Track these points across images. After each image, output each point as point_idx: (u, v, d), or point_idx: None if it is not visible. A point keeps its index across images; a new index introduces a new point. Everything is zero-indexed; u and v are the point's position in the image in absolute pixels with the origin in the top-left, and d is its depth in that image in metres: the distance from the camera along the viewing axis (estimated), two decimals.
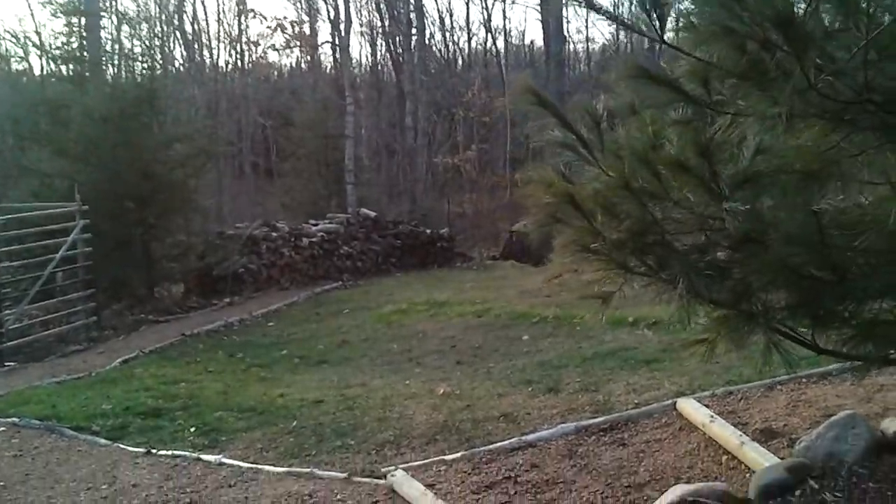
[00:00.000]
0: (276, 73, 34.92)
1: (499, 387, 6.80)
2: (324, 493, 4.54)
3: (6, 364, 10.05)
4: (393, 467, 4.76)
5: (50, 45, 25.61)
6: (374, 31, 32.23)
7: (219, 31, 32.76)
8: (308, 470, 4.97)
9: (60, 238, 11.77)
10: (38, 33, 26.05)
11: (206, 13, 52.57)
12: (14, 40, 26.06)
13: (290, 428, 6.08)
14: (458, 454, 4.91)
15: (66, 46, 24.77)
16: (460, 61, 35.13)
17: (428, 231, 19.18)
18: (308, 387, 7.62)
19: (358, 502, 4.39)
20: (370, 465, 5.05)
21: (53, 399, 7.47)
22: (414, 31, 29.00)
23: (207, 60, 32.18)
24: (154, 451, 5.64)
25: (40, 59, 26.82)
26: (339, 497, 4.47)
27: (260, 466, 5.14)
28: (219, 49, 33.00)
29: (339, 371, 8.45)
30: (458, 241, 20.19)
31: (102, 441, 6.04)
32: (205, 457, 5.41)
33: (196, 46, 31.65)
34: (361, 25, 31.64)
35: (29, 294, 11.18)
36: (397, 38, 30.09)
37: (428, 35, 31.23)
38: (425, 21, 30.21)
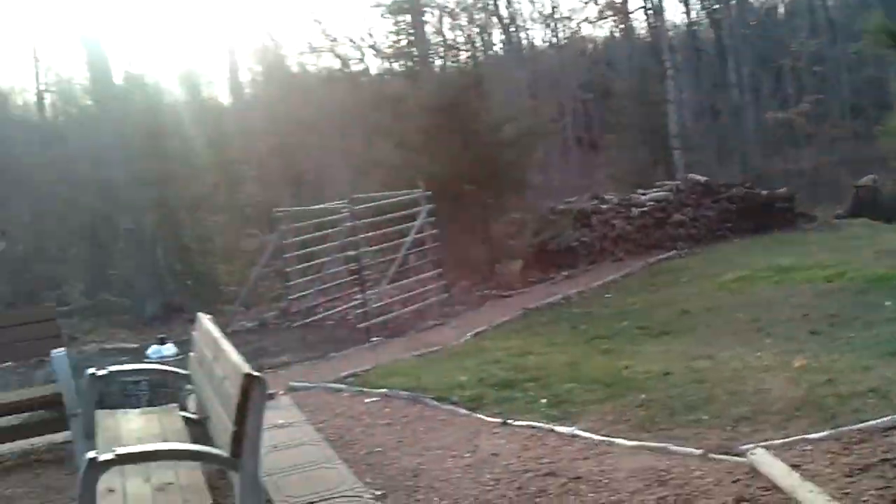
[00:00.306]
0: (591, 45, 34.83)
1: (863, 359, 6.23)
2: (680, 470, 4.45)
3: (372, 339, 11.07)
4: (752, 445, 4.56)
5: (382, 44, 27.67)
6: None
7: (532, 11, 33.31)
8: (662, 445, 4.90)
9: (409, 223, 12.77)
10: (371, 35, 28.19)
11: None
12: (352, 44, 28.52)
13: (638, 401, 6.04)
14: (824, 433, 4.58)
15: (396, 44, 26.69)
16: (781, 9, 32.76)
17: (763, 192, 18.12)
18: (652, 358, 7.52)
19: (717, 480, 4.25)
20: (726, 442, 4.86)
21: (417, 371, 8.02)
22: None
23: (524, 41, 32.97)
24: (510, 421, 5.85)
25: (375, 58, 29.03)
26: (696, 474, 4.36)
27: (612, 439, 5.15)
28: (534, 28, 33.58)
29: (683, 342, 8.25)
30: (797, 201, 18.85)
31: (462, 411, 6.34)
32: (558, 428, 5.52)
33: (513, 29, 32.54)
34: None
35: (387, 275, 12.31)
36: None
37: None
38: None
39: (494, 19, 32.05)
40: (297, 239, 13.16)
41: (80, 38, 19.64)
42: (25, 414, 6.08)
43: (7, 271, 17.92)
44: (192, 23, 36.36)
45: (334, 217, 13.49)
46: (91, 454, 3.22)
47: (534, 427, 5.65)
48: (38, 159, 22.45)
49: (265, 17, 42.88)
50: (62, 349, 5.64)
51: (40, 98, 26.76)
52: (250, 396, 3.30)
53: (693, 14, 32.26)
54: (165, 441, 4.26)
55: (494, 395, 6.77)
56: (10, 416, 6.15)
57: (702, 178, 18.25)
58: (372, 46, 28.25)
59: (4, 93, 27.76)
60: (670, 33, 28.82)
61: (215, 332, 4.45)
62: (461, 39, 30.83)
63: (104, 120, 18.20)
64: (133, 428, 4.56)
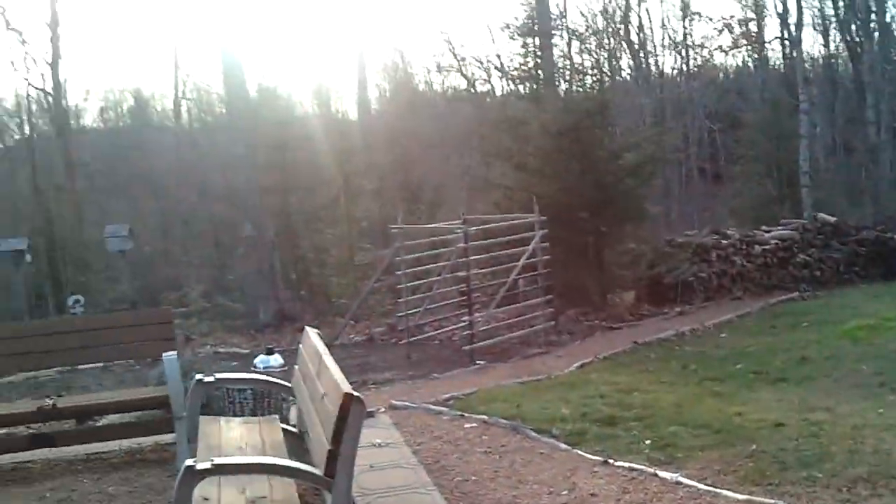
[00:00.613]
0: (721, 74, 34.01)
1: None
2: None
3: (476, 363, 11.02)
4: None
5: (508, 66, 27.77)
6: (827, 21, 29.96)
7: (663, 38, 32.80)
8: (771, 501, 4.66)
9: (521, 247, 12.68)
10: (498, 56, 28.37)
11: (650, 21, 52.66)
12: (478, 65, 28.77)
13: (748, 451, 5.76)
14: None
15: (522, 67, 26.73)
16: None
17: None
18: (766, 406, 7.19)
19: None
20: None
21: (518, 399, 7.88)
22: (873, 16, 26.37)
23: (653, 68, 32.49)
24: (611, 460, 5.68)
25: (501, 80, 29.16)
26: None
27: (718, 490, 4.92)
28: (664, 55, 33.05)
29: (800, 391, 7.85)
30: None
31: (562, 446, 6.17)
32: (661, 473, 5.30)
33: (642, 55, 32.11)
34: (813, 17, 29.68)
35: (496, 298, 12.26)
36: (853, 26, 27.62)
37: (889, 18, 28.15)
38: (886, 3, 27.26)
39: (624, 44, 31.76)
40: (409, 256, 13.26)
41: (218, 51, 20.47)
42: (136, 413, 6.31)
43: (133, 271, 18.78)
44: (326, 39, 37.53)
45: (448, 237, 13.56)
46: (189, 462, 3.29)
47: (635, 469, 5.46)
48: (171, 163, 23.57)
49: (396, 35, 43.78)
50: (174, 352, 5.81)
51: (177, 105, 28.07)
52: (348, 416, 3.30)
53: (832, 46, 31.17)
54: (264, 453, 4.31)
55: (596, 432, 6.59)
56: (120, 415, 6.41)
57: (831, 219, 17.51)
58: (498, 68, 28.43)
59: (145, 99, 29.31)
60: (807, 65, 27.85)
61: (320, 347, 4.48)
62: (588, 64, 30.63)
63: (235, 129, 18.90)
64: (234, 436, 4.63)
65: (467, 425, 6.94)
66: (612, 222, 15.06)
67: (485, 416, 7.09)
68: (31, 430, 6.19)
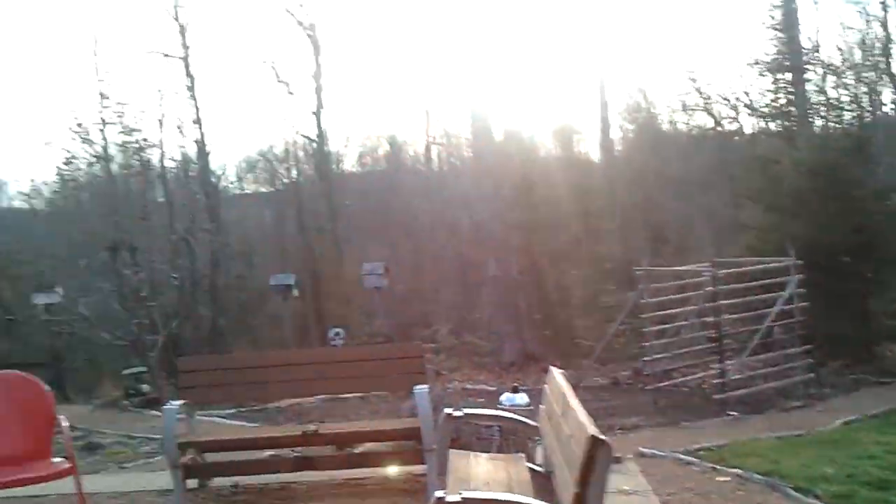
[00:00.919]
0: None
1: None
2: None
3: (729, 414, 10.63)
4: None
5: (758, 103, 26.67)
6: None
7: None
8: None
9: (776, 292, 12.10)
10: (746, 93, 27.30)
11: None
12: (725, 102, 27.83)
13: None
14: None
15: (773, 103, 25.58)
16: None
17: None
18: None
19: None
20: None
21: (774, 454, 7.49)
22: None
23: None
24: None
25: (749, 117, 28.04)
26: None
27: None
28: None
29: None
30: None
31: None
32: None
33: None
34: None
35: (748, 346, 11.75)
36: None
37: None
38: None
39: (885, 78, 29.53)
40: (654, 300, 13.03)
41: (466, 99, 21.40)
42: (389, 443, 6.66)
43: (387, 307, 19.80)
44: (568, 81, 37.97)
45: (695, 280, 13.21)
46: (439, 493, 3.43)
47: None
48: (422, 205, 24.73)
49: (639, 75, 43.39)
50: (425, 386, 6.06)
51: (428, 150, 29.40)
52: (595, 459, 3.27)
53: None
54: (510, 490, 4.39)
55: (865, 496, 6.11)
56: (375, 443, 6.79)
57: None
58: (747, 105, 27.38)
59: (399, 144, 31.00)
60: None
61: (565, 387, 4.51)
62: (846, 98, 28.73)
63: (482, 171, 19.56)
64: (481, 471, 4.74)
65: (720, 478, 6.70)
66: (878, 267, 13.98)
67: (739, 470, 6.79)
68: (295, 454, 6.66)
